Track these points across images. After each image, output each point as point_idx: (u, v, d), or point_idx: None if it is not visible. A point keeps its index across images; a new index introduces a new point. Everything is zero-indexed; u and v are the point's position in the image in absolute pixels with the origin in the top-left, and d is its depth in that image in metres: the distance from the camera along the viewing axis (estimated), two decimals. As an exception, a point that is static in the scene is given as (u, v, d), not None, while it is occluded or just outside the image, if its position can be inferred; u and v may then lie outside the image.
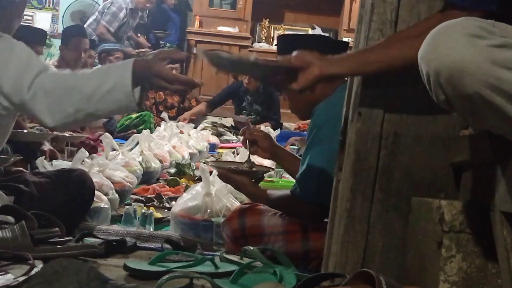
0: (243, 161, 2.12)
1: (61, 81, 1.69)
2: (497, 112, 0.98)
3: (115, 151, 3.29)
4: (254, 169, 2.04)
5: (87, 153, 2.74)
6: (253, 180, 2.00)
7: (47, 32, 6.41)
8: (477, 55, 0.96)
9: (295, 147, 4.41)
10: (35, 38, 3.79)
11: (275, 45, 6.87)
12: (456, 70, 0.98)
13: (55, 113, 1.67)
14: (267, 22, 7.77)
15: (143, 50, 6.22)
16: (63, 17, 6.97)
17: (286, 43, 2.00)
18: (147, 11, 7.11)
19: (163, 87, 1.65)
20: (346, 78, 1.62)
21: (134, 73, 1.62)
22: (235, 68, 1.67)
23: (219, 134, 5.43)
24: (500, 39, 0.98)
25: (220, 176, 2.04)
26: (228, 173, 1.97)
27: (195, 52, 1.58)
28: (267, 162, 2.92)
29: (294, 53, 1.40)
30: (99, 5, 7.02)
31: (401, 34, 1.33)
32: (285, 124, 6.51)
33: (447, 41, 0.99)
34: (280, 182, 3.09)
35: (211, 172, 2.35)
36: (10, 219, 1.73)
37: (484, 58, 0.96)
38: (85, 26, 6.13)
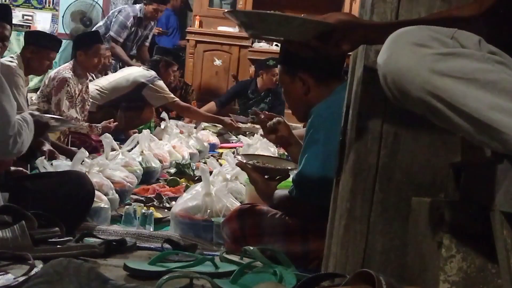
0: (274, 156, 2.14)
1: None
2: (442, 116, 1.00)
3: (115, 151, 3.29)
4: (278, 167, 2.08)
5: (87, 153, 2.74)
6: (277, 178, 2.04)
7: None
8: (416, 63, 0.99)
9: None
10: (49, 44, 3.79)
11: (275, 45, 6.86)
12: (397, 76, 1.01)
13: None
14: (267, 22, 7.76)
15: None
16: (63, 17, 6.96)
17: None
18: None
19: None
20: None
21: None
22: (267, 28, 1.31)
23: (219, 134, 5.42)
24: (447, 49, 0.99)
25: (238, 165, 2.11)
26: (245, 167, 2.04)
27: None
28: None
29: (329, 15, 1.31)
30: (100, 6, 6.98)
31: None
32: (285, 124, 6.48)
33: (394, 47, 1.02)
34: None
35: (211, 172, 2.35)
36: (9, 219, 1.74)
37: (423, 66, 0.98)
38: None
